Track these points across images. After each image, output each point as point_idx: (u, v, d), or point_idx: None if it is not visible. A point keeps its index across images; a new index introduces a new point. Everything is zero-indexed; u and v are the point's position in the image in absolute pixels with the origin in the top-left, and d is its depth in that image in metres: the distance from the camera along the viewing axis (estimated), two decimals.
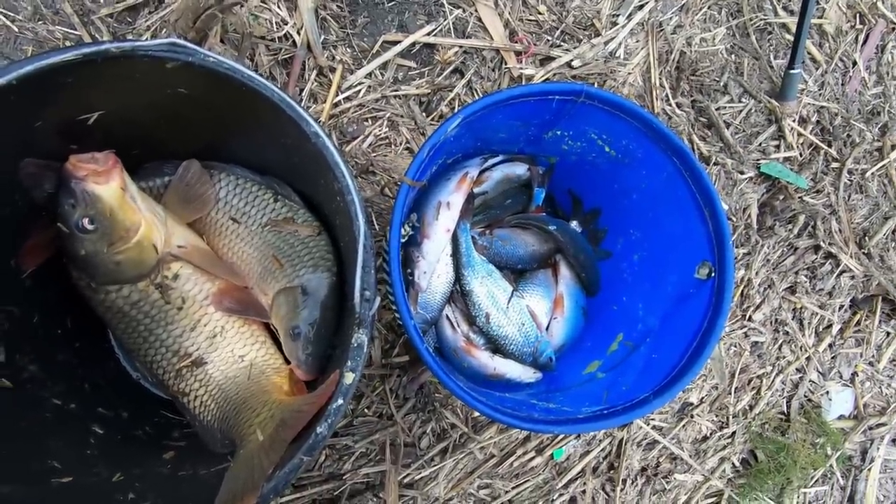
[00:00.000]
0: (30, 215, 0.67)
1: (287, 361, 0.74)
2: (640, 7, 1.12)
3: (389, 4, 0.99)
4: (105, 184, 0.65)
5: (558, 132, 0.74)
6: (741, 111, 1.18)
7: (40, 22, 0.82)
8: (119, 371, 0.82)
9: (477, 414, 0.98)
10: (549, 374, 0.85)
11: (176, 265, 0.73)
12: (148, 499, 0.59)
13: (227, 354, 0.75)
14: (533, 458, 1.00)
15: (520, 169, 0.89)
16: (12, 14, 0.81)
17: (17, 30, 0.81)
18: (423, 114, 1.01)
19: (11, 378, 0.63)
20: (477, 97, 1.03)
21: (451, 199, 0.76)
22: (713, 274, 0.66)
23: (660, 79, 1.12)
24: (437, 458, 0.96)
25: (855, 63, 1.26)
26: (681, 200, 0.68)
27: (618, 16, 1.11)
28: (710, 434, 1.13)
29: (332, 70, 0.96)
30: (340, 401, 0.54)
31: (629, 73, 1.11)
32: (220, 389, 0.73)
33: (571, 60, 1.06)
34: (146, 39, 0.55)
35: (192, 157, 0.76)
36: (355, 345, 0.56)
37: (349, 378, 0.55)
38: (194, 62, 0.56)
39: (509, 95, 0.59)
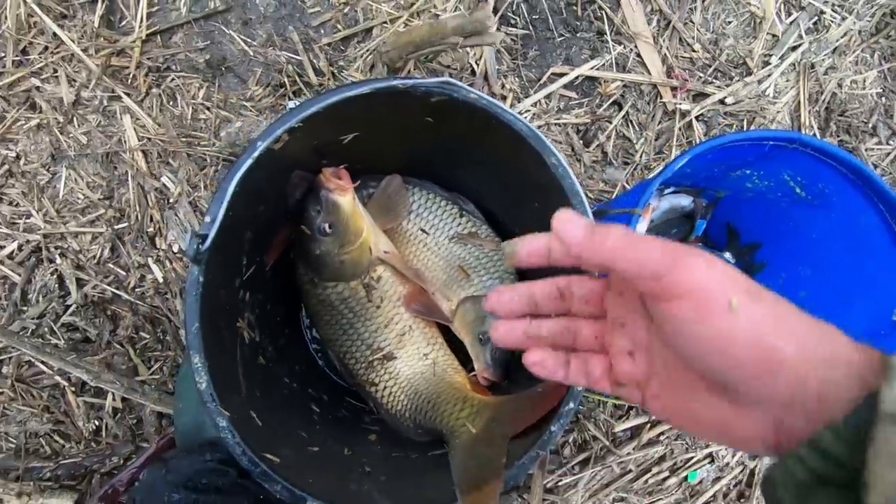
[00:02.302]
0: (275, 219, 0.77)
1: (461, 363, 0.82)
2: (794, 48, 1.15)
3: (559, 39, 1.07)
4: (344, 195, 0.76)
5: (747, 171, 0.79)
6: (889, 153, 1.18)
7: (270, 48, 0.94)
8: (309, 358, 0.92)
9: (618, 429, 1.02)
10: None
11: (381, 268, 0.83)
12: (381, 472, 0.67)
13: (413, 351, 0.84)
14: (667, 477, 1.04)
15: (685, 200, 0.94)
16: (249, 40, 0.94)
17: (251, 53, 0.94)
18: (581, 142, 1.08)
19: (263, 357, 0.73)
20: (633, 129, 1.08)
21: (638, 228, 0.82)
22: None
23: (808, 118, 1.15)
24: (577, 467, 1.01)
25: None
26: (876, 247, 0.70)
27: (770, 55, 1.14)
28: None
29: (504, 98, 1.05)
30: (572, 404, 0.61)
31: (777, 112, 1.14)
32: (409, 383, 0.82)
33: (725, 97, 1.11)
34: (421, 77, 0.64)
35: (395, 173, 0.86)
36: None
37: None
38: (458, 98, 0.65)
39: (732, 139, 0.65)
